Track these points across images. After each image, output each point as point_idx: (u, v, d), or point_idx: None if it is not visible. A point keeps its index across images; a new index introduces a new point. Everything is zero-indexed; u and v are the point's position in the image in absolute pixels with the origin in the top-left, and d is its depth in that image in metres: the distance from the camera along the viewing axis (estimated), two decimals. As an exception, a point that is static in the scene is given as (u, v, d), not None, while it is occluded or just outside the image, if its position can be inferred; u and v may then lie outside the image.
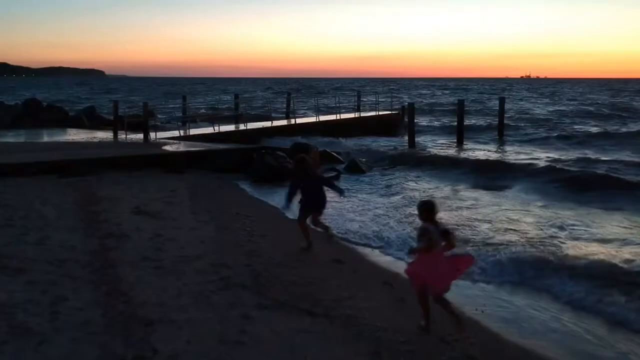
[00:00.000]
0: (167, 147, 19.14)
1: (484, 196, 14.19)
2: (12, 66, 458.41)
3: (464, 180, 16.89)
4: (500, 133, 28.87)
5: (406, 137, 27.39)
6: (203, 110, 40.18)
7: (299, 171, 8.87)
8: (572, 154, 22.68)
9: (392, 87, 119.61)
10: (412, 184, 16.26)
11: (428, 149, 23.48)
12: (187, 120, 29.52)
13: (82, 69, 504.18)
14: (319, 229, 9.04)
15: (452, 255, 6.02)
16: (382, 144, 25.20)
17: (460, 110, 27.09)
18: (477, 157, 20.85)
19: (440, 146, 25.16)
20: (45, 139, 23.04)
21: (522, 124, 36.48)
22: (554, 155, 22.30)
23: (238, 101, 33.87)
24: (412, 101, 40.69)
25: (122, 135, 23.04)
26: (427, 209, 5.97)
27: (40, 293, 6.32)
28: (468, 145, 25.49)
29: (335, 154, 20.65)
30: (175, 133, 23.74)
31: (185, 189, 13.40)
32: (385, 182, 16.31)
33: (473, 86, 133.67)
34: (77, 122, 29.87)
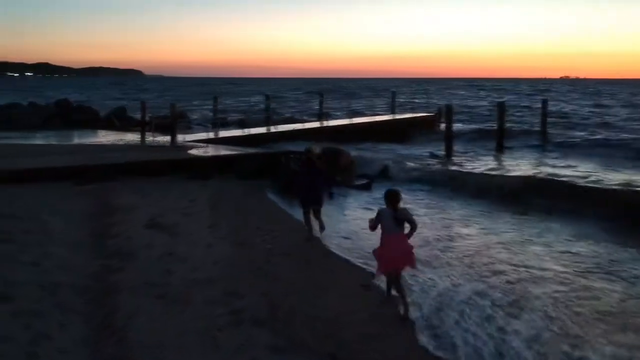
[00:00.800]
0: (193, 151, 18.38)
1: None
2: (54, 66, 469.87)
3: (529, 225, 11.28)
4: (544, 138, 27.35)
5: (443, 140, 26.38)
6: (234, 112, 39.64)
7: (305, 167, 9.75)
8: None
9: (426, 87, 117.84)
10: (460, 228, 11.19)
11: (467, 162, 21.24)
12: (217, 122, 28.96)
13: (121, 69, 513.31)
14: (316, 224, 9.76)
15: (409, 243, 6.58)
16: (417, 151, 23.91)
17: (500, 113, 25.73)
18: (526, 175, 16.48)
19: (480, 158, 22.43)
20: (71, 141, 22.62)
21: (560, 128, 34.29)
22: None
23: (269, 102, 33.08)
24: (448, 102, 39.46)
25: (150, 137, 22.55)
26: (391, 195, 6.70)
27: (22, 328, 5.50)
28: (508, 159, 21.60)
29: (366, 158, 19.65)
30: (205, 135, 23.09)
31: (206, 198, 12.56)
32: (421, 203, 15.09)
33: (509, 86, 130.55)
34: (108, 123, 29.61)
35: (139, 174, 14.36)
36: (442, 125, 33.54)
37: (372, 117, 32.13)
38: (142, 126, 24.21)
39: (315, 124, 28.02)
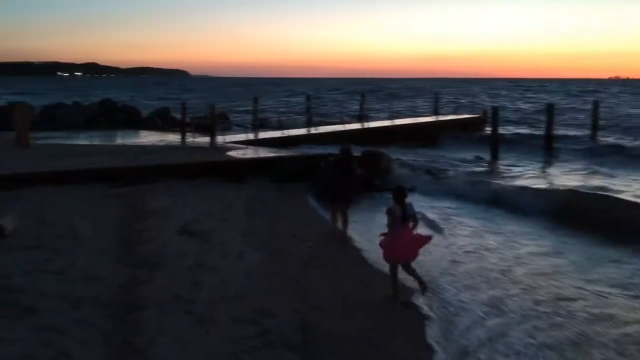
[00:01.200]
0: (231, 153, 18.15)
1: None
2: (102, 66, 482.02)
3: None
4: (595, 143, 26.10)
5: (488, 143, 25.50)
6: (274, 113, 39.49)
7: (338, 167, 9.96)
8: None
9: (467, 87, 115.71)
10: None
11: (515, 168, 20.01)
12: (257, 123, 28.79)
13: (167, 69, 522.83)
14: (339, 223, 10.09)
15: (416, 234, 7.15)
16: (461, 154, 23.09)
17: (549, 115, 24.71)
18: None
19: (528, 164, 20.82)
20: (113, 141, 22.74)
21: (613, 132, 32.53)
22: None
23: (310, 103, 32.76)
24: (492, 103, 38.35)
25: (190, 138, 22.49)
26: (399, 194, 7.27)
27: (41, 345, 5.23)
28: (560, 167, 20.02)
29: (409, 161, 19.04)
30: (244, 136, 22.86)
31: (243, 202, 12.23)
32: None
33: (557, 87, 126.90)
34: (150, 123, 29.77)
35: (175, 176, 14.17)
36: (488, 128, 32.85)
37: (415, 118, 31.42)
38: (182, 127, 24.17)
39: (356, 126, 27.55)
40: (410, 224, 7.04)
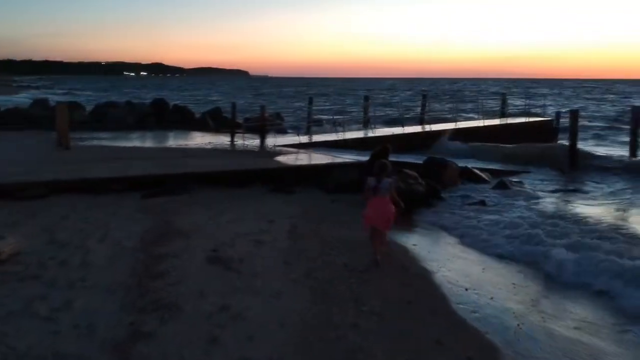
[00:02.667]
0: (281, 158, 16.63)
1: None
2: (166, 66, 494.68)
3: None
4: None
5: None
6: (330, 114, 37.82)
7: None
8: None
9: (528, 88, 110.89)
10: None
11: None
12: (311, 124, 27.23)
13: (228, 69, 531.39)
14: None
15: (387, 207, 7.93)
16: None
17: (635, 120, 21.96)
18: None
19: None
20: (160, 143, 21.67)
21: None
22: None
23: (368, 104, 30.90)
24: (562, 107, 35.48)
25: (240, 141, 21.16)
26: (378, 167, 7.97)
27: None
28: None
29: (478, 172, 16.93)
30: (297, 139, 21.32)
31: (288, 218, 10.62)
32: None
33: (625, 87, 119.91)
34: (202, 124, 28.74)
35: (215, 184, 12.75)
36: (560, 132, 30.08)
37: (481, 121, 29.07)
38: (232, 128, 22.87)
39: (417, 128, 25.53)
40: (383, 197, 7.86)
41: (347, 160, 16.05)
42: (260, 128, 20.80)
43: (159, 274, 7.24)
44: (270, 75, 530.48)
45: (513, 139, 25.97)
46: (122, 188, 11.92)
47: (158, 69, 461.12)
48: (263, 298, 6.63)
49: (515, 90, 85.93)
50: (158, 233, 9.09)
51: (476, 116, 31.27)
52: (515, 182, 16.00)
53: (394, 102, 54.92)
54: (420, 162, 16.13)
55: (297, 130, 26.06)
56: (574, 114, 20.63)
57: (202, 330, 5.67)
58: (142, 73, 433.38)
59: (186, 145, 20.05)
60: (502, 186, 15.40)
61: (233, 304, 6.37)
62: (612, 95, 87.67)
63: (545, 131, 29.26)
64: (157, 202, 11.25)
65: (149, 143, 21.37)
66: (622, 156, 21.36)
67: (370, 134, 23.34)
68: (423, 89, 37.83)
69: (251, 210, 11.06)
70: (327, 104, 57.80)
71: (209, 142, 21.16)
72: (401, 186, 13.14)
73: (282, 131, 26.47)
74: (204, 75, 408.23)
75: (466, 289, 7.55)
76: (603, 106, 57.26)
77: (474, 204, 13.56)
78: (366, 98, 32.08)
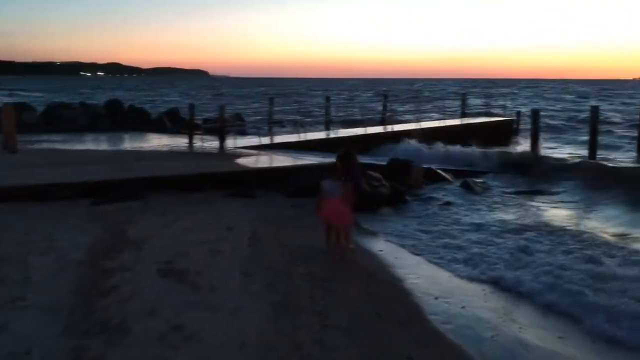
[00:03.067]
0: (241, 160, 16.08)
1: None
2: (124, 66, 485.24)
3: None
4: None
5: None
6: (292, 114, 37.34)
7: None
8: None
9: (491, 88, 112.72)
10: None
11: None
12: (273, 125, 26.70)
13: (188, 69, 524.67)
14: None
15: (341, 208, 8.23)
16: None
17: (593, 121, 22.15)
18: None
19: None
20: (113, 145, 20.82)
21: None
22: None
23: (329, 105, 30.51)
24: (522, 106, 35.89)
25: (199, 142, 20.44)
26: (332, 168, 8.59)
27: None
28: None
29: (442, 173, 16.74)
30: (257, 141, 20.76)
31: (247, 225, 10.12)
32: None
33: (578, 87, 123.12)
34: (159, 125, 27.83)
35: (171, 189, 12.14)
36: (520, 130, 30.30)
37: (442, 121, 29.04)
38: (190, 130, 22.08)
39: (379, 129, 25.25)
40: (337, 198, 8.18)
41: (308, 162, 15.63)
42: (220, 129, 20.12)
43: (107, 290, 6.65)
44: (230, 75, 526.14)
45: (474, 139, 26.04)
46: (71, 195, 11.20)
47: (115, 69, 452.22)
48: (220, 315, 6.12)
49: (473, 90, 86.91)
50: (108, 244, 8.46)
51: (437, 116, 31.27)
52: (479, 182, 15.86)
53: (355, 103, 54.70)
54: (384, 163, 15.84)
55: (258, 132, 25.53)
56: (535, 114, 20.67)
57: (153, 354, 5.14)
58: (99, 73, 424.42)
59: (141, 147, 19.26)
60: (466, 187, 15.25)
61: (187, 322, 5.85)
62: (569, 95, 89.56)
63: (506, 131, 29.52)
64: (108, 210, 10.58)
65: (102, 146, 20.49)
66: (582, 157, 21.62)
67: (332, 134, 23.01)
68: (384, 89, 37.56)
69: (209, 217, 10.52)
70: (289, 104, 57.22)
71: (166, 144, 20.41)
72: (366, 189, 12.80)
73: (243, 132, 25.83)
74: (162, 75, 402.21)
75: (436, 298, 7.22)
76: (560, 105, 58.31)
77: (439, 206, 13.33)
78: (327, 99, 31.71)
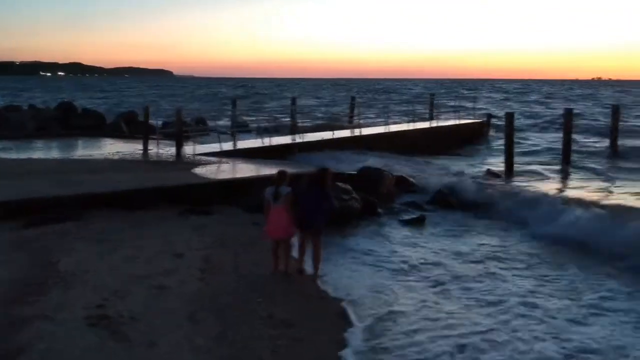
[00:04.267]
0: (199, 170, 14.78)
1: None
2: (86, 66, 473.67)
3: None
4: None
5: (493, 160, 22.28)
6: (257, 117, 35.87)
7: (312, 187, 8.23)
8: None
9: (457, 88, 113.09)
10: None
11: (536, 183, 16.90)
12: (235, 130, 25.29)
13: (152, 69, 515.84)
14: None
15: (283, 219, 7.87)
16: (469, 167, 19.95)
17: (567, 121, 21.48)
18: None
19: (547, 177, 18.98)
20: (63, 152, 19.26)
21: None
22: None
23: (295, 108, 29.16)
24: (492, 106, 35.14)
25: (154, 150, 18.96)
26: (277, 177, 8.17)
27: None
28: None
29: (409, 179, 15.66)
30: (218, 147, 19.35)
31: (200, 250, 8.87)
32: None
33: (542, 87, 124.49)
34: (115, 130, 26.18)
35: (114, 207, 10.75)
36: (491, 134, 29.56)
37: (411, 124, 28.03)
38: (145, 135, 20.52)
39: (346, 133, 24.08)
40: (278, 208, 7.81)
41: (273, 172, 14.34)
42: (177, 134, 18.67)
43: (18, 348, 5.33)
44: (195, 75, 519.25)
45: (444, 142, 25.13)
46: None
47: (77, 69, 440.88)
48: (157, 384, 4.88)
49: (442, 91, 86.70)
50: (30, 281, 7.11)
51: (406, 118, 30.22)
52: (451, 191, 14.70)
53: (321, 105, 53.43)
54: (354, 171, 14.69)
55: (220, 136, 24.16)
56: (510, 118, 19.79)
57: None
58: (59, 73, 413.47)
59: (90, 156, 17.67)
60: (440, 198, 14.17)
61: (113, 398, 4.60)
62: (535, 95, 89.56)
63: (477, 133, 28.71)
64: (39, 234, 9.16)
65: (48, 154, 18.91)
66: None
67: (299, 139, 21.70)
68: (353, 95, 36.14)
69: (155, 242, 9.19)
70: (254, 105, 55.70)
71: (119, 152, 18.88)
72: (334, 204, 11.65)
73: (205, 136, 24.36)
74: (125, 75, 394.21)
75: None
76: (526, 108, 58.03)
77: (412, 221, 12.26)
78: (293, 101, 30.44)
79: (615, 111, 24.30)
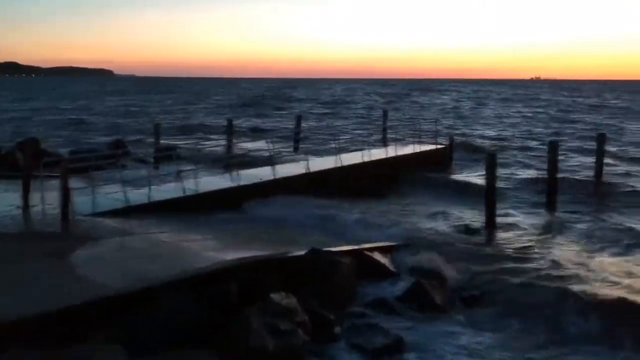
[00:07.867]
0: (82, 253, 10.46)
1: None
2: (23, 66, 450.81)
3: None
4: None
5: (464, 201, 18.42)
6: (184, 137, 30.99)
7: None
8: None
9: (403, 88, 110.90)
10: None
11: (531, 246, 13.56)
12: (159, 160, 20.64)
13: (91, 69, 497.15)
14: None
15: None
16: (434, 220, 16.04)
17: (552, 156, 18.16)
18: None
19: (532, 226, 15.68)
20: None
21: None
22: None
23: (232, 130, 24.59)
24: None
25: (41, 203, 13.77)
26: None
27: None
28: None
29: (379, 260, 11.67)
30: (125, 200, 14.66)
31: None
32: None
33: (491, 88, 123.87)
34: (8, 163, 20.99)
35: None
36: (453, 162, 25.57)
37: (358, 152, 23.23)
38: (26, 177, 14.80)
39: (292, 168, 19.61)
40: None
41: (202, 265, 9.73)
42: (63, 172, 13.51)
43: None
44: (137, 74, 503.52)
45: (403, 177, 20.93)
46: None
47: (12, 69, 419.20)
48: None
49: (388, 91, 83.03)
50: None
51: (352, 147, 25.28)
52: (435, 282, 10.84)
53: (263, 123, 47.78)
54: (288, 257, 10.34)
55: (146, 166, 19.35)
56: (491, 160, 16.02)
57: None
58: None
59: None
60: (418, 293, 10.27)
61: None
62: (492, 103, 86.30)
63: (438, 162, 24.52)
64: None
65: None
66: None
67: (235, 182, 17.13)
68: (296, 113, 31.10)
69: None
70: (187, 121, 50.08)
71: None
72: (268, 347, 7.53)
73: (120, 168, 18.48)
74: (63, 75, 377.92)
75: None
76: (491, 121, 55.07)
77: (385, 349, 8.31)
78: (229, 123, 25.71)
79: (601, 140, 21.27)
